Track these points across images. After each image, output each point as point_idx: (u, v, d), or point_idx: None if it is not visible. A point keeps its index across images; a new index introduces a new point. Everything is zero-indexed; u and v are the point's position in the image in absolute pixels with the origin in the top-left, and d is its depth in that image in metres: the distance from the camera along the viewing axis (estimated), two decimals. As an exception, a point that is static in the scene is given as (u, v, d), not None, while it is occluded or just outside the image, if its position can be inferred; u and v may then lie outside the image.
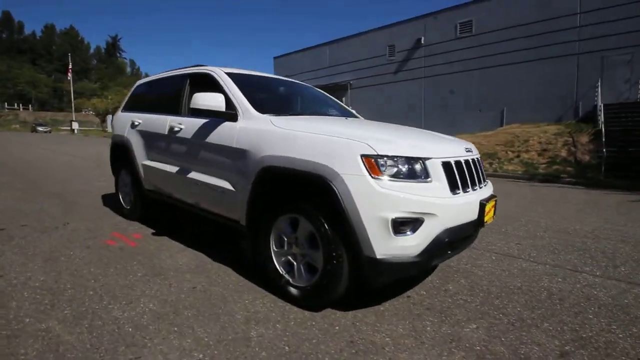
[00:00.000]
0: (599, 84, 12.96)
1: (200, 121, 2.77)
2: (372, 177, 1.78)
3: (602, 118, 11.21)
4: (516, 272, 2.79)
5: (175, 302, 2.15)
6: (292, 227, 2.14)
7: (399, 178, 1.82)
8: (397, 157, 1.84)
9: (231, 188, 2.49)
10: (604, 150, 9.54)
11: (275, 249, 2.24)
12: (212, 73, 2.92)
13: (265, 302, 2.18)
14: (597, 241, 3.66)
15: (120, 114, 4.18)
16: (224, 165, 2.54)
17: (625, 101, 12.61)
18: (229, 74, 2.87)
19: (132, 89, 4.24)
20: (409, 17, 19.15)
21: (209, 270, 2.64)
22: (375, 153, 1.81)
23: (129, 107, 4.09)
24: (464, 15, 17.01)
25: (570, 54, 14.19)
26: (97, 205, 4.73)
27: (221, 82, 2.78)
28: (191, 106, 2.49)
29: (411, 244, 1.81)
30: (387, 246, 1.78)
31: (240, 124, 2.46)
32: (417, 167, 1.87)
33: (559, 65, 14.43)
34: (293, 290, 2.12)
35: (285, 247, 2.18)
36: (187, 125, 2.93)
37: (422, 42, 18.32)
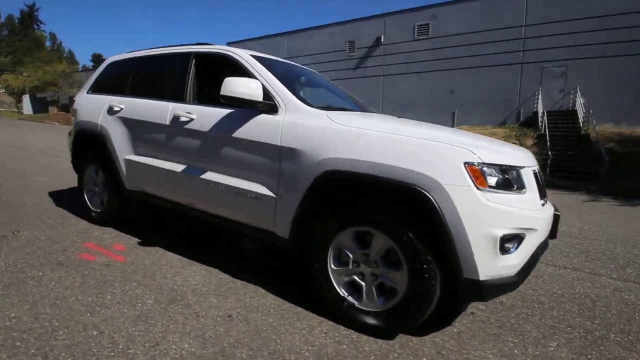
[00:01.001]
0: (539, 91, 14.35)
1: (221, 111, 2.30)
2: (478, 188, 1.55)
3: (545, 123, 12.40)
4: (547, 277, 2.79)
5: (215, 338, 1.72)
6: (360, 243, 1.83)
7: (500, 189, 1.62)
8: (498, 165, 1.63)
9: (269, 194, 2.08)
10: (549, 153, 10.55)
11: (334, 267, 1.91)
12: (233, 55, 2.44)
13: (324, 329, 1.85)
14: (590, 242, 3.89)
15: (87, 96, 3.42)
16: (260, 166, 2.12)
17: (560, 109, 14.13)
18: (255, 57, 2.42)
19: (102, 66, 3.49)
20: (370, 15, 19.34)
21: (235, 291, 2.21)
22: (480, 161, 1.58)
23: (100, 89, 3.36)
24: (422, 18, 17.62)
25: (514, 62, 15.48)
26: (48, 206, 3.87)
27: (249, 67, 2.32)
28: (222, 93, 2.02)
29: (513, 263, 1.62)
30: (492, 266, 1.57)
31: (284, 117, 2.06)
32: (515, 176, 1.69)
33: (504, 72, 15.67)
34: (363, 316, 1.81)
35: (350, 266, 1.86)
36: (200, 115, 2.42)
37: (382, 40, 18.62)
